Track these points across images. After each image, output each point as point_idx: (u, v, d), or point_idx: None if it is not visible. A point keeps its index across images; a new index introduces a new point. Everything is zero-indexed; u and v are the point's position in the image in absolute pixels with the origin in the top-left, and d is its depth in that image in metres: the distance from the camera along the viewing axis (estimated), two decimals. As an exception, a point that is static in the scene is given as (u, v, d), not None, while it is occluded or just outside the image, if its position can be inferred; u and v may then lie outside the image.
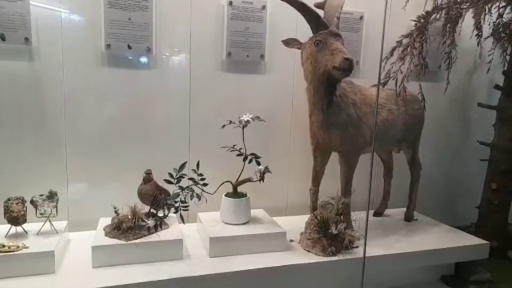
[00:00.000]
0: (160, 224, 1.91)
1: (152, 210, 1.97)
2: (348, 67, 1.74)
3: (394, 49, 2.19)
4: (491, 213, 2.45)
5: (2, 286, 1.53)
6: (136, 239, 1.80)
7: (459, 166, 2.87)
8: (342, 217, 2.04)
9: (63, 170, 2.07)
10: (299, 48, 1.99)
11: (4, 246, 1.62)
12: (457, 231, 2.39)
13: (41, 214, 1.80)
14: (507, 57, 2.40)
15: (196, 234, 2.13)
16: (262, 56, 2.28)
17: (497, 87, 2.44)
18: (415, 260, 2.07)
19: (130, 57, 2.11)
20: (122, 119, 2.14)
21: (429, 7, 2.29)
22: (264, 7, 2.23)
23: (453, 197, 2.89)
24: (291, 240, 2.08)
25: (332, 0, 2.02)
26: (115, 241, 1.78)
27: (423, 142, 2.48)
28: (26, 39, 1.89)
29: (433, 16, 2.22)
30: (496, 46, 2.47)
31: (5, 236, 1.74)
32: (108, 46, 2.02)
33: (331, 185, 2.15)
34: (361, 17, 2.43)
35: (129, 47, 2.06)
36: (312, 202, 2.22)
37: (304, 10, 1.86)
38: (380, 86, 2.21)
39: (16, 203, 1.75)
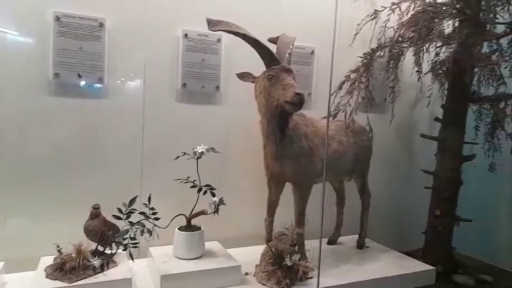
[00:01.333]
0: (107, 263, 1.80)
1: (100, 248, 1.87)
2: (299, 101, 1.80)
3: (342, 83, 2.30)
4: (436, 238, 2.57)
5: None
6: (80, 280, 1.68)
7: (406, 194, 3.01)
8: (296, 247, 2.05)
9: (1, 205, 1.92)
10: (252, 82, 2.03)
11: None
12: (406, 257, 2.47)
13: (-30, 256, 1.64)
14: (445, 92, 2.60)
15: (147, 271, 2.04)
16: (218, 87, 2.31)
17: (437, 119, 2.62)
18: (367, 289, 2.11)
19: (80, 87, 2.04)
20: (70, 150, 2.05)
21: (374, 45, 2.45)
22: (219, 40, 2.27)
23: (402, 223, 3.01)
24: (247, 273, 2.05)
25: (284, 37, 2.10)
26: (56, 283, 1.65)
27: (372, 171, 2.59)
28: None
29: (378, 53, 2.37)
30: (434, 81, 2.67)
31: None
32: (56, 75, 1.95)
33: (287, 215, 2.16)
34: (312, 52, 2.54)
35: (79, 76, 2.00)
36: (267, 233, 2.22)
37: (257, 46, 1.91)
38: (331, 118, 2.30)
39: None
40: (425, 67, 2.57)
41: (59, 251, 1.78)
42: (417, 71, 2.46)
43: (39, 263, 1.83)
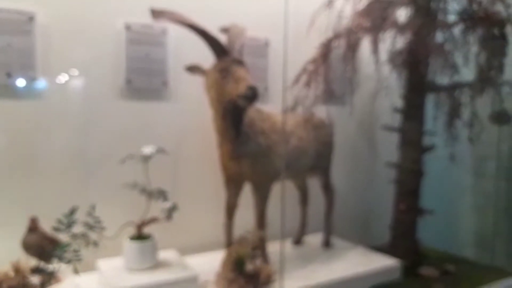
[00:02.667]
0: (49, 279, 1.64)
1: (42, 264, 1.68)
2: (252, 95, 1.69)
3: (300, 75, 2.21)
4: (402, 232, 2.54)
5: None
6: (17, 302, 1.50)
7: (370, 188, 2.98)
8: (258, 251, 1.94)
9: None
10: (202, 75, 1.90)
11: None
12: (372, 253, 2.43)
13: None
14: (403, 81, 2.57)
15: (96, 286, 1.86)
16: (165, 83, 2.14)
17: (396, 110, 2.59)
18: (332, 288, 2.04)
19: (10, 87, 1.83)
20: (2, 158, 1.83)
21: (330, 35, 2.37)
22: (165, 32, 2.11)
23: (368, 218, 2.98)
24: (206, 281, 1.91)
25: (235, 27, 1.98)
26: (-12, 308, 1.46)
27: (335, 166, 2.52)
28: None
29: (334, 44, 2.30)
30: (392, 71, 2.63)
31: None
32: (-20, 74, 1.73)
33: (247, 217, 2.05)
34: (266, 44, 2.43)
35: (9, 76, 1.80)
36: (227, 237, 2.10)
37: (205, 37, 1.79)
38: (290, 113, 2.21)
39: None
40: (383, 57, 2.53)
41: (-7, 270, 1.59)
42: (374, 62, 2.41)
43: (-31, 286, 1.62)
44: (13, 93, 1.84)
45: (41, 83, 1.88)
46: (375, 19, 2.10)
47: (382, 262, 2.28)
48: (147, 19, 1.80)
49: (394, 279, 2.25)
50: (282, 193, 1.82)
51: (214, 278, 1.91)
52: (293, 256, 2.30)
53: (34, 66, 1.84)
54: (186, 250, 2.12)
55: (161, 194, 1.87)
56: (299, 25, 2.36)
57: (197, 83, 2.10)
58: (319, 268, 2.15)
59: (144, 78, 2.09)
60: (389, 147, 2.73)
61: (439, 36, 2.43)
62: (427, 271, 2.39)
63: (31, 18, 1.82)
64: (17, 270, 1.61)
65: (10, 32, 1.79)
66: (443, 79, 2.51)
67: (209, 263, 2.00)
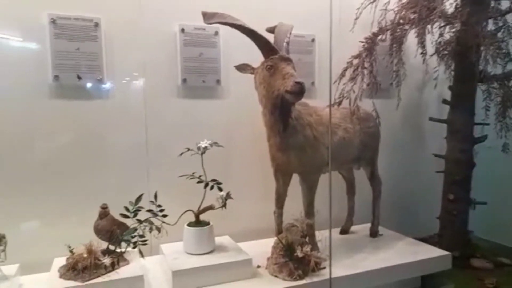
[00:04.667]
0: (117, 261, 1.82)
1: (110, 247, 1.88)
2: (299, 90, 1.77)
3: (345, 69, 2.26)
4: (451, 223, 2.52)
5: None
6: (92, 279, 1.70)
7: (418, 179, 2.95)
8: (307, 238, 2.03)
9: (13, 209, 1.95)
10: (252, 73, 2.01)
11: None
12: (420, 243, 2.42)
13: (-13, 259, 1.67)
14: (452, 73, 2.53)
15: (159, 267, 2.05)
16: (218, 81, 2.29)
17: (444, 101, 2.56)
18: (381, 277, 2.07)
19: (80, 88, 2.05)
20: (75, 151, 2.07)
21: (375, 29, 2.39)
22: (217, 33, 2.25)
23: (415, 209, 2.96)
24: (258, 266, 2.04)
25: (281, 25, 2.07)
26: (70, 283, 1.67)
27: (381, 157, 2.54)
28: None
29: (379, 37, 2.32)
30: (440, 63, 2.60)
31: None
32: (56, 77, 1.96)
33: (297, 206, 2.13)
34: (313, 40, 2.50)
35: (79, 78, 2.01)
36: (277, 225, 2.21)
37: (254, 36, 1.89)
38: (336, 106, 2.26)
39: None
40: (430, 48, 2.50)
41: (70, 251, 1.80)
42: (421, 53, 2.40)
43: (52, 264, 1.86)
44: (83, 93, 2.07)
45: (107, 84, 2.09)
46: (420, 11, 2.09)
47: (432, 253, 2.27)
48: (200, 22, 1.93)
49: (445, 270, 2.23)
50: (329, 183, 1.88)
51: (266, 263, 2.03)
52: (341, 245, 2.35)
53: (101, 68, 2.05)
54: (237, 236, 2.24)
55: (216, 184, 2.00)
56: (345, 20, 2.41)
57: (246, 81, 2.22)
58: (367, 257, 2.19)
59: (198, 77, 2.24)
60: (438, 138, 2.70)
61: (491, 25, 2.37)
62: (479, 263, 2.35)
63: (96, 24, 2.02)
64: (90, 252, 1.79)
65: (79, 37, 2.00)
66: (495, 69, 2.45)
67: (260, 249, 2.12)
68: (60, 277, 1.72)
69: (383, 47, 2.43)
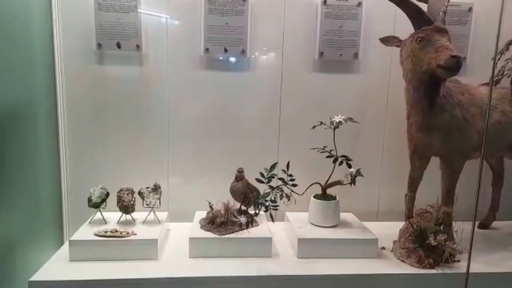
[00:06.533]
0: (251, 221, 1.97)
1: (243, 207, 2.04)
2: (455, 65, 1.59)
3: (509, 43, 1.95)
4: None
5: (112, 267, 1.71)
6: (228, 234, 1.88)
7: None
8: (442, 227, 1.88)
9: (165, 166, 2.26)
10: (398, 46, 1.88)
11: (117, 231, 1.82)
12: None
13: (146, 204, 1.98)
14: None
15: (284, 233, 2.15)
16: (356, 55, 2.21)
17: None
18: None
19: (225, 60, 2.21)
20: (217, 119, 2.26)
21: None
22: (359, 4, 2.15)
23: None
24: (383, 248, 1.98)
25: (437, -7, 1.86)
26: (209, 235, 1.88)
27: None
28: (137, 46, 2.09)
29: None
30: None
31: (117, 223, 1.96)
32: (206, 50, 2.14)
33: (428, 192, 1.99)
34: (470, 9, 2.20)
35: (225, 50, 2.16)
36: (408, 209, 2.09)
37: (404, 5, 1.75)
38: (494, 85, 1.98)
39: (127, 194, 1.96)
40: None
41: (210, 207, 2.02)
42: None
43: (194, 216, 2.10)
44: (227, 65, 2.22)
45: (249, 57, 2.20)
46: None
47: None
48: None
49: None
50: (479, 171, 1.69)
51: (392, 246, 1.96)
52: (480, 240, 2.13)
53: (245, 42, 2.16)
54: (360, 215, 2.20)
55: (346, 161, 1.98)
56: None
57: (386, 55, 2.09)
58: (510, 257, 1.95)
59: (335, 51, 2.20)
60: None
61: None
62: None
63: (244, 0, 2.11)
64: (227, 209, 1.98)
65: (228, 12, 2.12)
66: None
67: (385, 231, 2.04)
68: (201, 228, 1.95)
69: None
